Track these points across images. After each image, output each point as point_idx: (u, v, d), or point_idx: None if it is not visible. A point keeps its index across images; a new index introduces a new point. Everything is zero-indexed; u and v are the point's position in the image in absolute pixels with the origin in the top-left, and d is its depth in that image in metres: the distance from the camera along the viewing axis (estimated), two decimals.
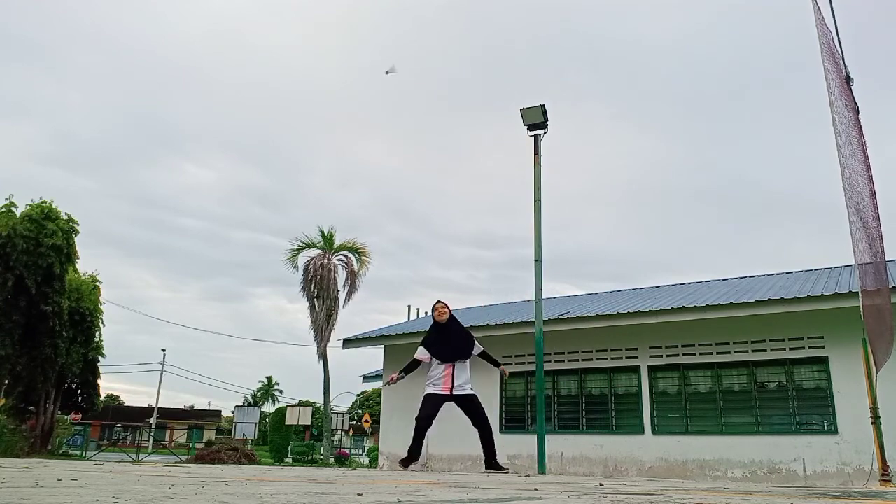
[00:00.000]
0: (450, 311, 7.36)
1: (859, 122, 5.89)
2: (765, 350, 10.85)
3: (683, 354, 11.48)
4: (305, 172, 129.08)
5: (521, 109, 10.66)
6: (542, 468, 9.39)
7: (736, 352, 11.07)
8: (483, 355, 7.44)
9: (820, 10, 5.28)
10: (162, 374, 52.68)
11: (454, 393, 7.08)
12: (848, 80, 5.59)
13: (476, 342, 7.41)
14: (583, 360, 12.42)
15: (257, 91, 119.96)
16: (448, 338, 7.22)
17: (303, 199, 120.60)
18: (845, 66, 5.65)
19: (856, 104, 6.00)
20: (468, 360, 7.21)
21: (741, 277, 14.93)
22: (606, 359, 12.18)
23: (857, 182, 5.50)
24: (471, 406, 7.22)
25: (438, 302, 7.37)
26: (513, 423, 12.81)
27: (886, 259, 7.05)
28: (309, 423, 33.34)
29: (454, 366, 7.08)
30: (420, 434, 7.31)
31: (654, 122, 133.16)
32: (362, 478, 4.35)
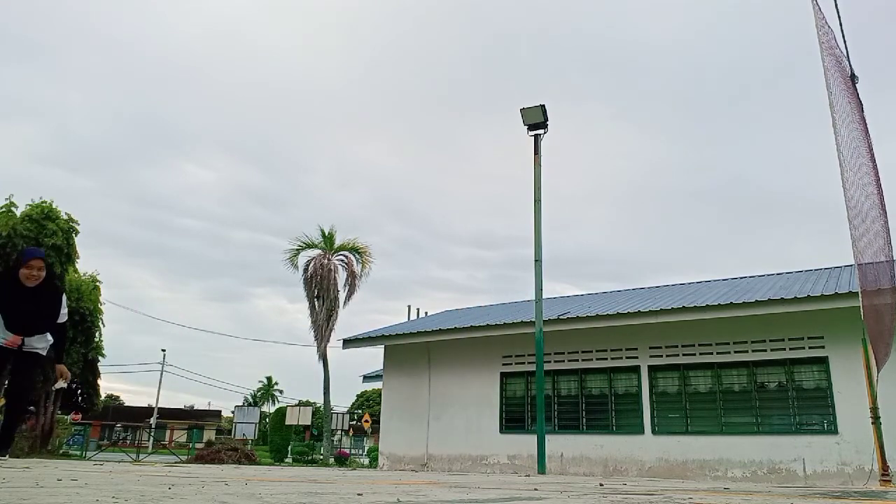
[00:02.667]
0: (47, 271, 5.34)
1: (864, 120, 5.88)
2: (765, 350, 10.85)
3: (683, 354, 11.47)
4: (305, 172, 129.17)
5: (521, 109, 10.67)
6: (542, 468, 9.40)
7: (736, 352, 11.06)
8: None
9: (821, 9, 5.28)
10: (162, 374, 52.67)
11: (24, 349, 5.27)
12: (852, 77, 5.58)
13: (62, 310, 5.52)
14: (583, 360, 12.42)
15: (257, 91, 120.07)
16: (33, 302, 5.29)
17: (303, 199, 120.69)
18: (850, 65, 5.64)
19: (860, 102, 5.99)
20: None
21: (741, 277, 14.92)
22: (606, 359, 12.17)
23: (863, 179, 5.50)
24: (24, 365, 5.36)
25: (38, 257, 5.30)
26: (513, 423, 12.81)
27: (894, 257, 7.03)
28: (309, 423, 33.35)
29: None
30: None
31: (655, 122, 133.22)
32: (362, 478, 4.35)
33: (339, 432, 38.12)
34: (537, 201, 10.60)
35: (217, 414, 69.86)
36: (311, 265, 26.66)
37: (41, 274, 5.21)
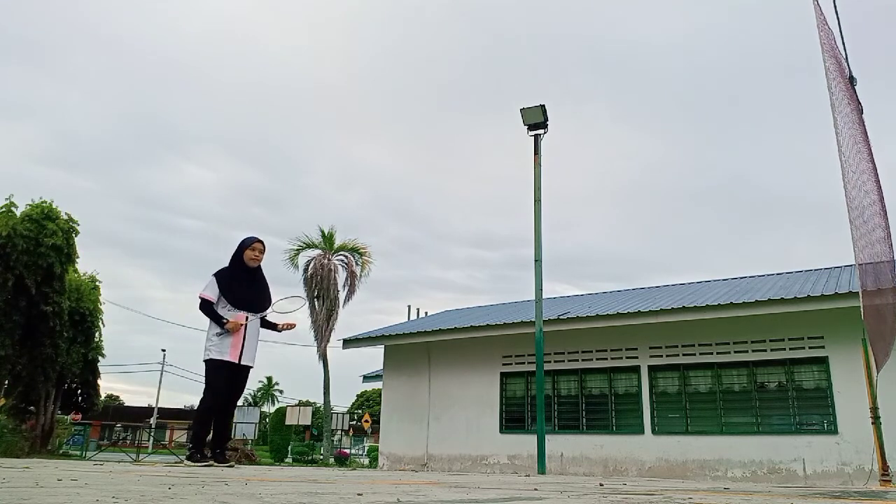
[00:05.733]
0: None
1: (863, 122, 5.88)
2: (765, 350, 10.85)
3: (683, 354, 11.48)
4: (305, 172, 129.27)
5: (521, 109, 10.67)
6: (542, 468, 9.40)
7: (736, 352, 11.06)
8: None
9: (822, 10, 5.28)
10: (162, 374, 52.73)
11: (241, 363, 5.66)
12: (851, 80, 5.59)
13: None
14: (583, 360, 12.42)
15: (257, 91, 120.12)
16: (254, 285, 5.80)
17: (303, 199, 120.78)
18: (848, 67, 5.64)
19: (859, 104, 5.99)
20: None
21: (741, 277, 14.92)
22: (606, 359, 12.18)
23: (865, 181, 5.50)
24: (243, 384, 5.84)
25: (259, 240, 5.81)
26: (513, 423, 12.81)
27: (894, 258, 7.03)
28: (309, 423, 33.36)
29: (247, 324, 5.64)
30: (210, 420, 5.63)
31: (655, 123, 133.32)
32: (362, 478, 4.35)
33: (339, 432, 38.14)
34: (537, 201, 10.60)
35: None
36: (311, 265, 26.68)
37: (261, 256, 5.80)
